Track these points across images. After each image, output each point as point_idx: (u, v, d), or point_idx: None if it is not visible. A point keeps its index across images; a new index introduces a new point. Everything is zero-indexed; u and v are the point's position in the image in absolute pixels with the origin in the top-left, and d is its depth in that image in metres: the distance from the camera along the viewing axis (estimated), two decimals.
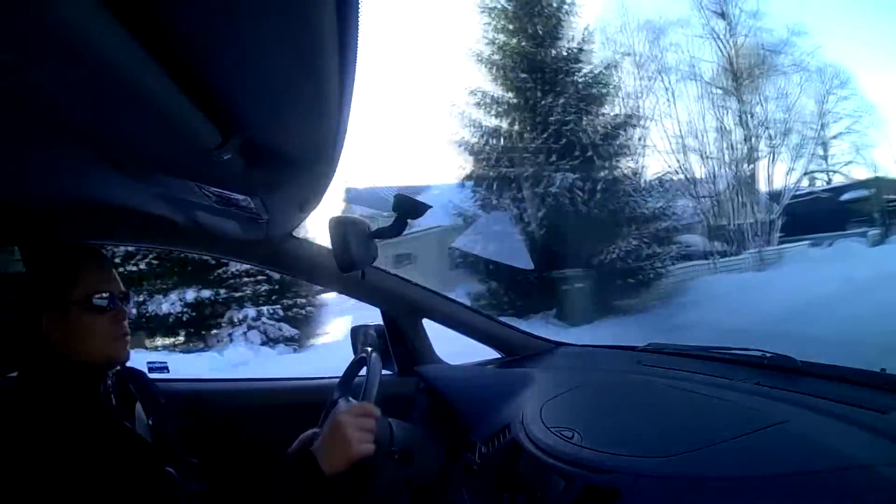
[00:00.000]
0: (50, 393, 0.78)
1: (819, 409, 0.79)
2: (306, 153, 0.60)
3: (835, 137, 15.79)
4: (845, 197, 17.80)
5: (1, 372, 0.87)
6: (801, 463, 0.66)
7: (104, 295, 0.85)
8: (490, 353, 1.53)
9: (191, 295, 7.36)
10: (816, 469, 0.65)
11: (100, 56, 0.32)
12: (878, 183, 18.29)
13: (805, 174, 15.14)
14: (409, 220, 0.94)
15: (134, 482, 0.75)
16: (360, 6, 0.35)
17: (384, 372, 1.09)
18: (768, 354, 1.02)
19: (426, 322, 1.46)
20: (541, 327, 6.00)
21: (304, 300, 7.87)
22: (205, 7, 0.31)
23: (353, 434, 0.81)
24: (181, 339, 7.64)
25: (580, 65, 9.03)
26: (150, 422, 0.94)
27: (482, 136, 9.17)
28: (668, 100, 11.56)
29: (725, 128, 12.27)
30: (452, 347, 1.54)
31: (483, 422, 1.06)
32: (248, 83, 0.43)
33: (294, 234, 1.27)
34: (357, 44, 0.39)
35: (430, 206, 0.96)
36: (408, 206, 0.92)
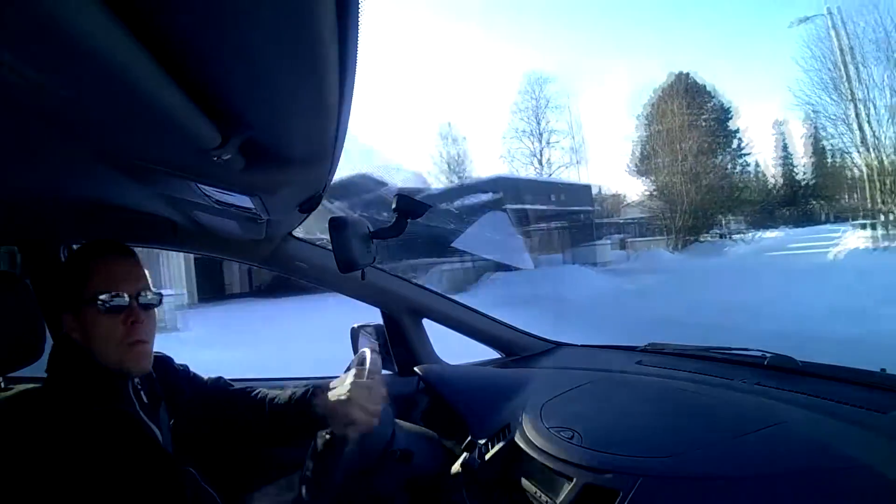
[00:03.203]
0: (75, 397, 0.75)
1: (819, 409, 0.79)
2: (306, 153, 0.60)
3: None
4: (469, 201, 11.89)
5: (2, 371, 0.86)
6: (801, 463, 0.66)
7: (111, 294, 0.76)
8: (490, 353, 1.53)
9: None
10: (816, 469, 0.65)
11: (99, 56, 0.32)
12: (498, 185, 12.10)
13: None
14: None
15: (153, 489, 0.74)
16: (360, 6, 0.35)
17: (384, 372, 1.09)
18: (768, 355, 1.02)
19: (426, 322, 1.46)
20: None
21: None
22: (205, 7, 0.31)
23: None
24: None
25: None
26: (172, 421, 0.92)
27: None
28: None
29: None
30: (452, 347, 1.54)
31: (483, 422, 1.06)
32: (247, 83, 0.42)
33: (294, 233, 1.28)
34: (357, 44, 0.39)
35: (430, 206, 0.96)
36: (408, 206, 0.92)
